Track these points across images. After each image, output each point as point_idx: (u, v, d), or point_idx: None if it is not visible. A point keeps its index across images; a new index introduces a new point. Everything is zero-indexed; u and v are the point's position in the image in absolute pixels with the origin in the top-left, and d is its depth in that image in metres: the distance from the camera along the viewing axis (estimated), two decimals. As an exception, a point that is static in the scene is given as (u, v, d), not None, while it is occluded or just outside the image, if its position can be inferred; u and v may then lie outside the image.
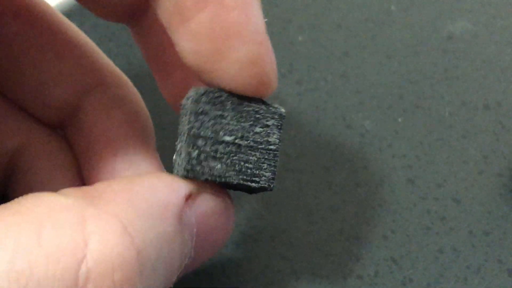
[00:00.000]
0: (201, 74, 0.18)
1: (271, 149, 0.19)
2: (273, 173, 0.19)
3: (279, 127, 0.19)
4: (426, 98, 0.32)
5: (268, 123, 0.19)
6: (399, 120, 0.31)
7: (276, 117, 0.19)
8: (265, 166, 0.19)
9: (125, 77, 0.24)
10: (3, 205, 0.15)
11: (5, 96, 0.23)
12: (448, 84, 0.33)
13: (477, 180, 0.29)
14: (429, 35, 0.35)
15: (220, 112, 0.18)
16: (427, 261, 0.26)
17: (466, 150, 0.30)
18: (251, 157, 0.19)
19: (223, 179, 0.18)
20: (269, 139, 0.19)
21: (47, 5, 0.22)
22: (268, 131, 0.19)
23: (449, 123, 0.31)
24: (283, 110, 0.19)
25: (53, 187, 0.22)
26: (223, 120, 0.18)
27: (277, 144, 0.19)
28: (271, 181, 0.19)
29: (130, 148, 0.22)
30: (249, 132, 0.19)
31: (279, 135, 0.19)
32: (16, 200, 0.15)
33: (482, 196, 0.28)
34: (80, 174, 0.23)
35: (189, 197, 0.18)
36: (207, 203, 0.19)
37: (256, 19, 0.18)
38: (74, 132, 0.23)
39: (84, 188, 0.17)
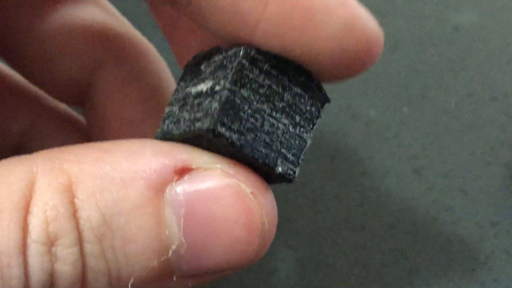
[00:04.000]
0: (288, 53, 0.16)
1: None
2: (298, 162, 0.16)
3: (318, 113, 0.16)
4: (432, 89, 0.32)
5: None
6: (405, 110, 0.31)
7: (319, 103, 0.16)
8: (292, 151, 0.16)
9: (146, 46, 0.21)
10: None
11: (11, 77, 0.22)
12: (454, 75, 0.32)
13: (484, 171, 0.28)
14: (435, 26, 0.35)
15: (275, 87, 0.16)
16: (433, 252, 0.26)
17: (473, 141, 0.30)
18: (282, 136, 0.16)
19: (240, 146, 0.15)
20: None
21: None
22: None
23: (455, 114, 0.31)
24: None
25: None
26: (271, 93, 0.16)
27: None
28: (294, 170, 0.16)
29: (150, 126, 0.20)
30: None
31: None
32: None
33: (489, 187, 0.28)
34: None
35: (185, 171, 0.15)
36: (208, 181, 0.15)
37: None
38: (90, 109, 0.21)
39: (60, 147, 0.16)
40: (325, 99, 0.17)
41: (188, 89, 0.16)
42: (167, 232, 0.15)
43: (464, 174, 0.28)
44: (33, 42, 0.21)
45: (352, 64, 0.16)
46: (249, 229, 0.15)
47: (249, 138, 0.15)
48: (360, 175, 0.28)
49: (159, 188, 0.15)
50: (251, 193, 0.15)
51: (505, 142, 0.30)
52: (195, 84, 0.16)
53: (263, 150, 0.15)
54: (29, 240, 0.14)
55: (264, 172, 0.16)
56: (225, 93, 0.15)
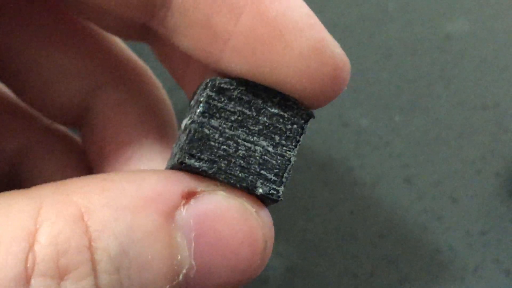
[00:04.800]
0: (261, 82, 0.16)
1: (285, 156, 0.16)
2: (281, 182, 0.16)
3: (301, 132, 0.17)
4: (423, 97, 0.32)
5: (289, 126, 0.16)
6: (396, 118, 0.31)
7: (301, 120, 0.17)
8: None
9: (142, 68, 0.22)
10: None
11: (6, 95, 0.22)
12: (446, 83, 0.33)
13: (475, 180, 0.29)
14: (427, 35, 0.35)
15: (246, 111, 0.16)
16: (423, 261, 0.26)
17: (464, 149, 0.30)
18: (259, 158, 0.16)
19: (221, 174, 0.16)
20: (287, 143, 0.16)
21: None
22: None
23: (446, 123, 0.31)
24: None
25: None
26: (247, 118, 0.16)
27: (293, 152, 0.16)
28: (278, 189, 0.16)
29: (146, 148, 0.20)
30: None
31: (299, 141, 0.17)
32: None
33: (479, 195, 0.28)
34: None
35: (191, 195, 0.15)
36: (214, 203, 0.15)
37: (298, 3, 0.16)
38: (87, 132, 0.22)
39: (63, 180, 0.15)
40: (307, 115, 0.17)
41: (182, 123, 0.17)
42: (179, 256, 0.15)
43: (454, 183, 0.28)
44: (32, 66, 0.21)
45: (320, 89, 0.16)
46: (253, 248, 0.15)
47: (222, 165, 0.16)
48: (351, 184, 0.28)
49: (169, 213, 0.15)
50: (255, 212, 0.16)
51: (495, 151, 0.30)
52: (186, 118, 0.17)
53: (240, 174, 0.16)
54: (35, 273, 0.14)
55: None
56: (193, 126, 0.16)
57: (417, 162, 0.29)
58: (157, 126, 0.21)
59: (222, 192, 0.16)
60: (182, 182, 0.15)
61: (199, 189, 0.15)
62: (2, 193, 0.15)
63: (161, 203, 0.15)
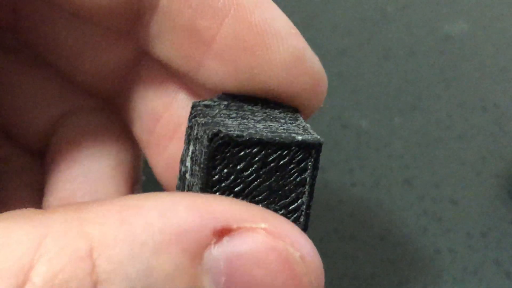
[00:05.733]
0: (241, 89, 0.16)
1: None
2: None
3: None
4: (423, 99, 0.32)
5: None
6: (396, 120, 0.31)
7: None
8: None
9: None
10: None
11: None
12: (445, 85, 0.33)
13: (475, 181, 0.28)
14: (426, 36, 0.35)
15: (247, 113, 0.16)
16: (424, 262, 0.26)
17: (464, 151, 0.30)
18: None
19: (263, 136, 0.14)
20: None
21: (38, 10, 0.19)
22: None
23: (446, 124, 0.31)
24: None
25: (18, 206, 0.18)
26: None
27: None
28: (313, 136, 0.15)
29: (106, 181, 0.19)
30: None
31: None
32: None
33: (479, 197, 0.28)
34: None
35: (224, 232, 0.13)
36: (251, 244, 0.13)
37: (280, 14, 0.16)
38: (47, 157, 0.20)
39: (78, 204, 0.14)
40: (294, 110, 0.17)
41: (181, 158, 0.17)
42: None
43: (454, 184, 0.28)
44: (3, 91, 0.20)
45: (299, 98, 0.16)
46: None
47: (251, 131, 0.15)
48: (351, 185, 0.28)
49: (196, 253, 0.13)
50: (300, 256, 0.14)
51: (495, 152, 0.30)
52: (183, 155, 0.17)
53: (272, 135, 0.15)
54: None
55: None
56: (202, 120, 0.15)
57: (417, 163, 0.29)
58: (120, 158, 0.20)
59: (263, 231, 0.13)
60: (216, 214, 0.13)
61: (235, 226, 0.13)
62: (3, 214, 0.13)
63: (188, 241, 0.13)
